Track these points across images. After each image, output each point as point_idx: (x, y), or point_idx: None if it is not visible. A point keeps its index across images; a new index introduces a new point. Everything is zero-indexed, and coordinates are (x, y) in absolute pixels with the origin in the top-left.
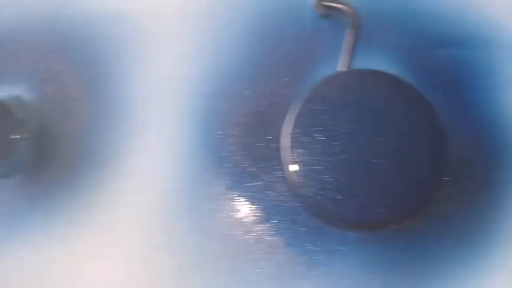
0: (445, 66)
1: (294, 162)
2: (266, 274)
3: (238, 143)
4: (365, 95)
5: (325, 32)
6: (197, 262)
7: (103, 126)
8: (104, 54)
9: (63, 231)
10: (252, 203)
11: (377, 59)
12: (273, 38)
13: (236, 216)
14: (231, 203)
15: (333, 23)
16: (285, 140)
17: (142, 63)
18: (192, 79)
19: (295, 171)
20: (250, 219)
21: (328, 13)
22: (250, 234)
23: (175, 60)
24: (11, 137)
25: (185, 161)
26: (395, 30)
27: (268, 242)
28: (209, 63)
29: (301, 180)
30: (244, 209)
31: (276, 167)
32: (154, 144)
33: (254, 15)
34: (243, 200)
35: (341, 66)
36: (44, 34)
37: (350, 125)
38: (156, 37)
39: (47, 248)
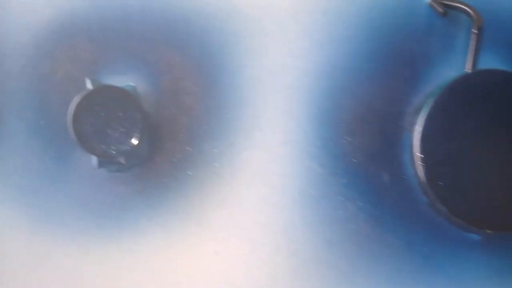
0: None
1: (425, 161)
2: (386, 274)
3: (355, 140)
4: (496, 96)
5: (440, 30)
6: (315, 262)
7: (217, 120)
8: (218, 47)
9: (179, 227)
10: (371, 203)
11: (498, 58)
12: (388, 34)
13: (355, 215)
14: (348, 202)
15: (448, 21)
16: (416, 139)
17: (256, 57)
18: (306, 74)
19: (424, 169)
20: (368, 219)
21: (445, 11)
22: (369, 234)
23: (288, 54)
24: (134, 129)
25: (301, 156)
26: None
27: (388, 242)
28: (323, 58)
29: (431, 180)
30: (364, 208)
31: (395, 165)
32: (270, 139)
33: (369, 10)
34: (361, 199)
35: (467, 66)
36: (158, 25)
37: (481, 126)
38: (270, 31)
39: (163, 244)
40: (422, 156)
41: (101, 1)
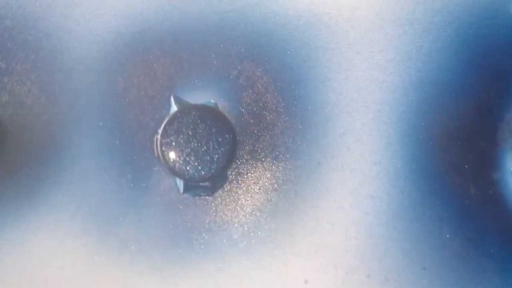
0: None
1: None
2: None
3: (447, 157)
4: None
5: None
6: None
7: (302, 138)
8: (301, 60)
9: (267, 255)
10: (466, 225)
11: None
12: (478, 46)
13: (451, 239)
14: (443, 225)
15: None
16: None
17: (341, 70)
18: (394, 88)
19: None
20: (464, 242)
21: None
22: (465, 258)
23: (375, 67)
24: (224, 151)
25: (391, 177)
26: None
27: (484, 266)
28: (411, 72)
29: None
30: (459, 231)
31: (490, 183)
32: (357, 159)
33: (457, 21)
34: (456, 221)
35: None
36: (237, 38)
37: None
38: (354, 42)
39: (250, 274)
40: None
41: (176, 12)
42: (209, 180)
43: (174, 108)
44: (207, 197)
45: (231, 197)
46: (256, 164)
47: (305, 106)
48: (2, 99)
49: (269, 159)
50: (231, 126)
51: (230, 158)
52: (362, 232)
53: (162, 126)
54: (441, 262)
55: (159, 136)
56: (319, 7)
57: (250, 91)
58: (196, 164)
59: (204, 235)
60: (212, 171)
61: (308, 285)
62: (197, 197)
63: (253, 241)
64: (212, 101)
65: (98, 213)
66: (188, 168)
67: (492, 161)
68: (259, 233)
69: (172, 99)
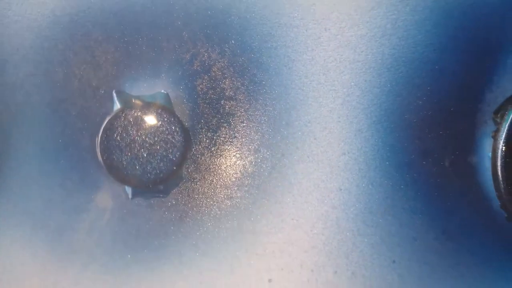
0: None
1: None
2: None
3: (424, 145)
4: None
5: None
6: (378, 283)
7: (264, 128)
8: (261, 39)
9: (229, 257)
10: (441, 217)
11: None
12: (460, 18)
13: (424, 232)
14: (415, 218)
15: None
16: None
17: (306, 50)
18: (365, 69)
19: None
20: (438, 234)
21: None
22: (439, 251)
23: (345, 45)
24: (175, 150)
25: (360, 167)
26: None
27: (460, 259)
28: (385, 49)
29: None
30: (434, 223)
31: (470, 172)
32: (324, 149)
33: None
34: (430, 213)
35: None
36: (189, 17)
37: None
38: (321, 17)
39: (212, 276)
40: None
41: None
42: (159, 184)
43: (117, 105)
44: (161, 198)
45: (188, 196)
46: (215, 159)
47: (267, 92)
48: None
49: (228, 152)
50: (181, 122)
51: (181, 157)
52: (329, 227)
53: (102, 127)
54: (413, 255)
55: (98, 139)
56: None
57: (205, 77)
58: (142, 168)
59: (160, 238)
60: (161, 175)
61: (272, 284)
62: (150, 199)
63: (213, 242)
64: (163, 91)
65: (45, 221)
66: (133, 173)
67: (470, 146)
68: (220, 233)
69: (114, 94)
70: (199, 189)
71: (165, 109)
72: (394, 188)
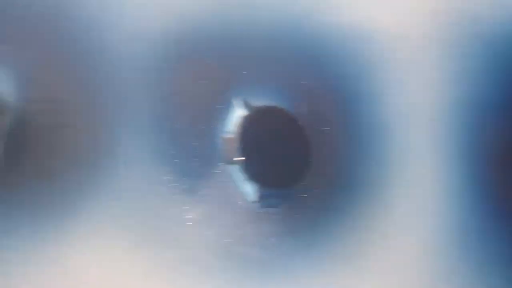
0: None
1: None
2: None
3: (501, 178)
4: None
5: None
6: None
7: (355, 153)
8: (354, 72)
9: (337, 270)
10: None
11: None
12: None
13: None
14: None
15: None
16: None
17: (393, 85)
18: (444, 106)
19: None
20: None
21: None
22: None
23: (425, 85)
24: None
25: (451, 195)
26: None
27: None
28: (460, 92)
29: None
30: None
31: None
32: (417, 176)
33: (500, 40)
34: None
35: None
36: (289, 48)
37: None
38: (406, 59)
39: None
40: None
41: (227, 11)
42: (287, 188)
43: (240, 110)
44: (273, 209)
45: (298, 209)
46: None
47: (359, 119)
48: (35, 95)
49: (333, 171)
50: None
51: (306, 165)
52: (428, 253)
53: (235, 128)
54: None
55: (230, 138)
56: (373, 23)
57: (304, 100)
58: (275, 170)
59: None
60: (292, 179)
61: None
62: (266, 208)
63: (321, 256)
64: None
65: (151, 227)
66: (268, 174)
67: None
68: (327, 247)
69: (237, 101)
70: (307, 204)
71: (293, 118)
72: (483, 213)
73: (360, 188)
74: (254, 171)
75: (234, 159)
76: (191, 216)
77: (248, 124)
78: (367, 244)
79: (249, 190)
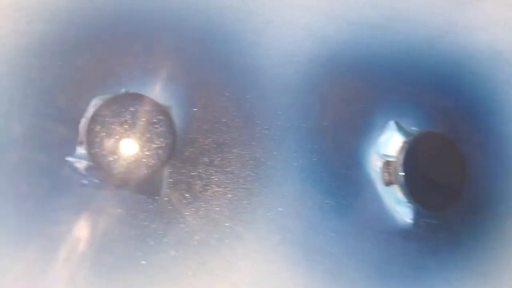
0: None
1: None
2: None
3: None
4: None
5: None
6: None
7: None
8: (488, 92)
9: None
10: None
11: None
12: None
13: None
14: None
15: None
16: None
17: None
18: None
19: None
20: None
21: None
22: None
23: None
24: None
25: None
26: None
27: None
28: None
29: None
30: None
31: None
32: None
33: None
34: None
35: None
36: (424, 69)
37: None
38: None
39: None
40: None
41: (368, 37)
42: (445, 210)
43: (395, 133)
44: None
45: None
46: None
47: (497, 139)
48: (196, 114)
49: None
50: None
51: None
52: None
53: (394, 151)
54: None
55: (389, 161)
56: (499, 44)
57: (441, 122)
58: (434, 192)
59: (412, 270)
60: (449, 201)
61: None
62: (421, 228)
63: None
64: (413, 128)
65: (305, 243)
66: (427, 196)
67: None
68: (467, 266)
69: (391, 124)
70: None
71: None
72: None
73: (504, 207)
74: (414, 193)
75: (394, 181)
76: (340, 233)
77: (411, 148)
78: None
79: (405, 211)
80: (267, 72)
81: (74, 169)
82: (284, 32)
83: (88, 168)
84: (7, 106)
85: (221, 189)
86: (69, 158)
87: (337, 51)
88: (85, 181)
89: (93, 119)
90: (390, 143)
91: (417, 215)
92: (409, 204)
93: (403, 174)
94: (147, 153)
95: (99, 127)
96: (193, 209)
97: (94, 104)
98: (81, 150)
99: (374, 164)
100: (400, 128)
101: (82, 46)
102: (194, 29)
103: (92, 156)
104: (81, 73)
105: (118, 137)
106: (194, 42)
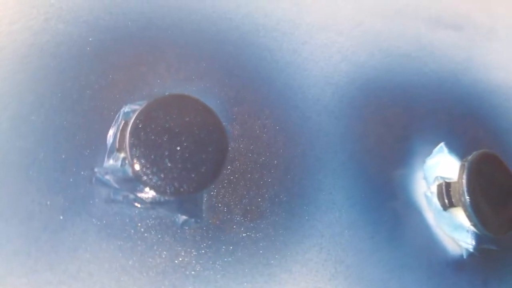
0: None
1: None
2: None
3: None
4: None
5: None
6: None
7: None
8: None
9: None
10: None
11: None
12: None
13: None
14: None
15: None
16: None
17: None
18: None
19: None
20: None
21: None
22: None
23: None
24: None
25: None
26: None
27: None
28: None
29: None
30: None
31: None
32: None
33: None
34: None
35: None
36: (447, 99)
37: None
38: None
39: None
40: None
41: (400, 67)
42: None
43: (446, 156)
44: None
45: None
46: None
47: None
48: (234, 132)
49: None
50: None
51: None
52: None
53: (449, 173)
54: None
55: (444, 183)
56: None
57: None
58: (495, 215)
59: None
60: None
61: None
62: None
63: None
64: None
65: (359, 276)
66: (488, 219)
67: None
68: None
69: (442, 147)
70: None
71: None
72: None
73: None
74: (479, 215)
75: (455, 203)
76: (393, 261)
77: (474, 168)
78: None
79: (465, 235)
80: (306, 92)
81: (103, 183)
82: (319, 53)
83: (122, 181)
84: (17, 108)
85: (263, 213)
86: (98, 170)
87: (371, 76)
88: (118, 197)
89: (135, 127)
90: (444, 165)
91: (477, 240)
92: (470, 228)
93: (468, 194)
94: (201, 169)
95: (143, 135)
96: (234, 239)
97: (127, 111)
98: (112, 161)
99: (423, 189)
100: (451, 151)
101: (108, 51)
102: (229, 44)
103: (133, 168)
104: (106, 79)
105: (166, 147)
106: (228, 56)
